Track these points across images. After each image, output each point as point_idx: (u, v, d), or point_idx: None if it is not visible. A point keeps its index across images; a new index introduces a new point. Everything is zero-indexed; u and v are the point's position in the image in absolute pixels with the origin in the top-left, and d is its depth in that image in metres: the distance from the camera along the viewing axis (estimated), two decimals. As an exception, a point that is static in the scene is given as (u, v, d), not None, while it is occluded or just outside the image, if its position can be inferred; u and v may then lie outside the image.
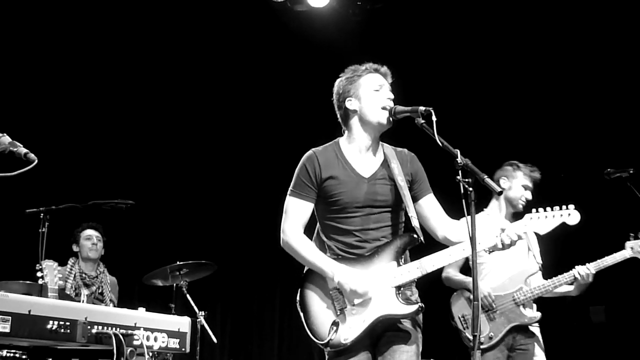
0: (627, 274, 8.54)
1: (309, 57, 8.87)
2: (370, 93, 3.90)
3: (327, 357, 3.83)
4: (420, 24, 8.66)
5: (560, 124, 9.02)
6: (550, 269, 5.56)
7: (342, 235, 3.86)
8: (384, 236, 3.86)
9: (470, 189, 3.42)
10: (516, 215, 5.54)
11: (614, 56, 8.43)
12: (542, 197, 5.46)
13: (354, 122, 3.95)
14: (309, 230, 3.95)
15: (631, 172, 5.46)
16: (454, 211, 4.20)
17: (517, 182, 5.54)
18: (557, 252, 5.66)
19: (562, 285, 5.34)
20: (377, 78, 3.94)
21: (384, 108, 3.86)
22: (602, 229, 8.63)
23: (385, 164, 3.95)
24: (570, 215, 3.84)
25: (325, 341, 3.72)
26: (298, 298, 3.86)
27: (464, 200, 3.40)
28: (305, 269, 3.91)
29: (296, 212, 3.88)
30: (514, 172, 5.57)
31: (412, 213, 3.87)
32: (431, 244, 4.00)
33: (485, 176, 3.52)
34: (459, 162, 3.47)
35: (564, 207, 3.90)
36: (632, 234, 5.37)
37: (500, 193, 3.64)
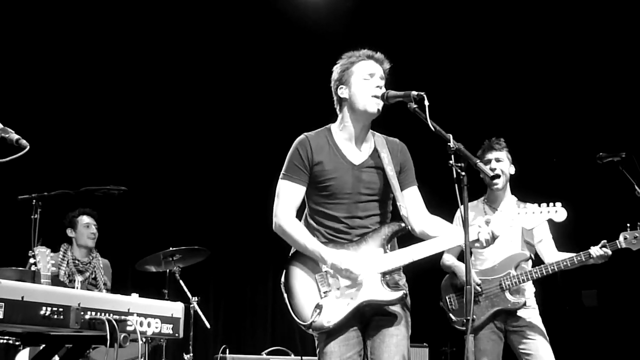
0: (619, 258, 8.59)
1: (300, 44, 8.85)
2: (360, 82, 3.90)
3: (316, 341, 3.85)
4: (412, 10, 8.65)
5: (552, 109, 9.04)
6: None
7: (330, 221, 3.89)
8: (371, 224, 3.89)
9: (463, 173, 3.42)
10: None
11: (604, 42, 8.44)
12: (536, 181, 5.48)
13: (346, 109, 3.97)
14: (298, 214, 3.96)
15: (623, 156, 5.45)
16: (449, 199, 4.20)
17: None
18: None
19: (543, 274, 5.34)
20: (370, 66, 3.93)
21: (373, 96, 3.86)
22: (594, 212, 8.67)
23: (376, 153, 3.97)
24: (557, 212, 3.90)
25: (308, 323, 3.75)
26: (283, 279, 3.88)
27: (456, 185, 3.42)
28: (292, 250, 3.93)
29: (289, 195, 3.90)
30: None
31: (400, 202, 3.90)
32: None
33: (478, 161, 3.53)
34: (451, 146, 3.48)
35: (551, 204, 3.95)
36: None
37: (492, 177, 3.65)
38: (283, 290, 3.86)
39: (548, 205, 3.94)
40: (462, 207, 3.42)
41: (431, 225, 3.94)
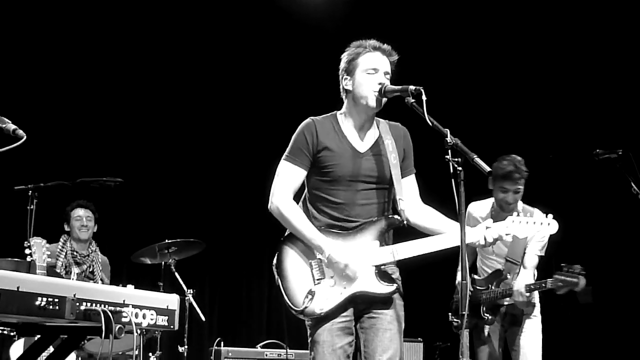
0: (614, 256, 8.61)
1: (300, 38, 8.84)
2: (363, 75, 3.88)
3: (308, 330, 3.84)
4: (411, 6, 8.64)
5: (549, 105, 9.04)
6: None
7: (329, 207, 3.88)
8: (370, 211, 3.88)
9: (460, 168, 3.43)
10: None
11: (601, 38, 8.45)
12: (531, 177, 5.47)
13: (349, 100, 3.97)
14: (296, 199, 3.95)
15: (620, 153, 5.43)
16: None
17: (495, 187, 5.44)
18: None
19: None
20: (375, 59, 3.89)
21: (374, 91, 3.85)
22: (591, 210, 8.67)
23: (380, 139, 3.97)
24: (550, 225, 3.90)
25: (300, 309, 3.76)
26: (275, 261, 3.88)
27: (453, 180, 3.42)
28: (287, 232, 3.93)
29: (289, 177, 3.89)
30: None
31: (399, 195, 3.89)
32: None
33: (475, 156, 3.53)
34: (448, 141, 3.48)
35: (543, 215, 3.98)
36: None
37: (489, 173, 3.66)
38: (275, 273, 3.86)
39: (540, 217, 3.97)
40: (457, 200, 3.42)
41: (425, 217, 3.95)
